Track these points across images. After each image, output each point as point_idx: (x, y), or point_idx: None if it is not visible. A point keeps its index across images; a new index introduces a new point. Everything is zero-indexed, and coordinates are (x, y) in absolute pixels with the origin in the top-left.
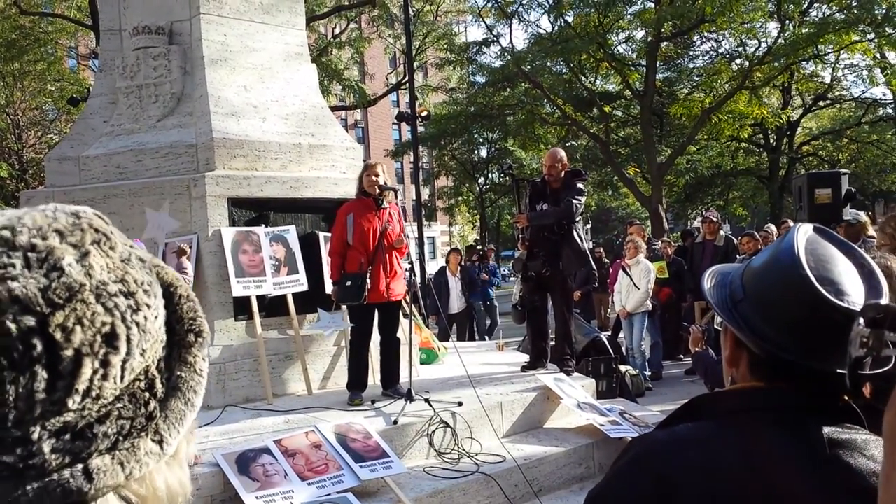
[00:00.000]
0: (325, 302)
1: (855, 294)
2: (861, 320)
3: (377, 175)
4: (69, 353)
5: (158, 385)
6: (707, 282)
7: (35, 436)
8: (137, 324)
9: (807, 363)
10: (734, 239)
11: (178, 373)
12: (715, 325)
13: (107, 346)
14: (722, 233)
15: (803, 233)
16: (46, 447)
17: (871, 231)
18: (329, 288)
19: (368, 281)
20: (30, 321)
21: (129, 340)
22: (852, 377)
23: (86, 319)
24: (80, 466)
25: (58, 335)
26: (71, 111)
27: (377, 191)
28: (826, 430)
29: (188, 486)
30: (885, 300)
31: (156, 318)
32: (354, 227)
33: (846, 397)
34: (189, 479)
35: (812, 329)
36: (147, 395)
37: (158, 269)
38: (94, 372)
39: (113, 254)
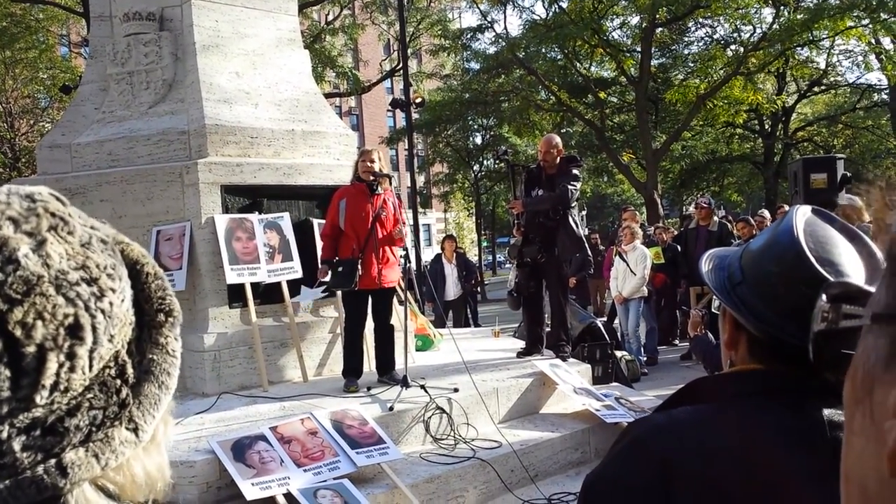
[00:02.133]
0: (315, 282)
1: (855, 275)
2: (824, 296)
3: (372, 161)
4: (31, 349)
5: (130, 370)
6: (705, 265)
7: (3, 434)
8: (103, 311)
9: (806, 345)
10: (728, 224)
11: (150, 355)
12: (713, 309)
13: (71, 339)
14: (715, 218)
15: (802, 214)
16: (17, 445)
17: (867, 217)
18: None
19: (360, 267)
20: None
21: (94, 329)
22: (815, 351)
23: (47, 313)
24: (53, 462)
25: (18, 332)
26: (63, 99)
27: (371, 177)
28: (826, 412)
29: (167, 471)
30: None
31: (122, 301)
32: (346, 213)
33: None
34: (168, 463)
35: (812, 310)
36: (118, 381)
37: (123, 247)
38: (60, 365)
39: (72, 238)
